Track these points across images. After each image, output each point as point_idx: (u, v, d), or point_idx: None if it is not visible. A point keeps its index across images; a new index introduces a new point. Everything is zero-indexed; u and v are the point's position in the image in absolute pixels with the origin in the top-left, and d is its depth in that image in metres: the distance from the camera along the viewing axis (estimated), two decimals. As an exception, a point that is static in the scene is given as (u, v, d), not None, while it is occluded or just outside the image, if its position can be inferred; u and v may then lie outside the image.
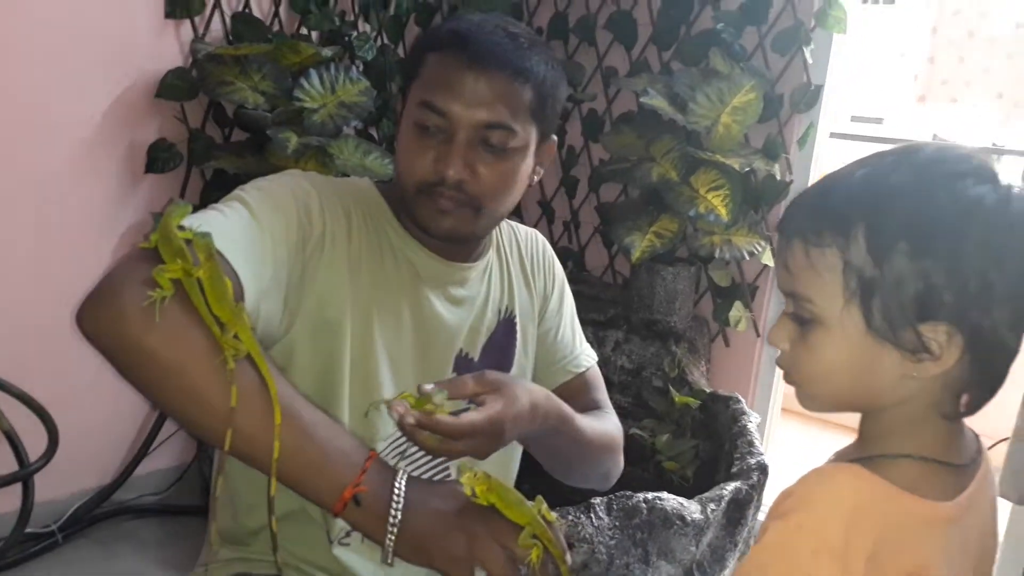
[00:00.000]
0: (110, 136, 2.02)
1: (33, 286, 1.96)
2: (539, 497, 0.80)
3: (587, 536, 1.58)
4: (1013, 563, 2.25)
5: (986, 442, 0.76)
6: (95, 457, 2.16)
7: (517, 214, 2.83)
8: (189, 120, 2.12)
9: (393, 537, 0.74)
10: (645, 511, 1.61)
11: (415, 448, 0.90)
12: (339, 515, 0.76)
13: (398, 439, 0.96)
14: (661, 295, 2.32)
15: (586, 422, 1.03)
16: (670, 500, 1.64)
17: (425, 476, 0.99)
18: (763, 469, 1.80)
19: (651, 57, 2.48)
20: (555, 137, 1.02)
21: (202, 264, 0.74)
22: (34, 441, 1.85)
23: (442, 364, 1.02)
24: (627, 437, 2.17)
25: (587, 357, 1.18)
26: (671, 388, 2.20)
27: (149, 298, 0.71)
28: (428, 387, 0.80)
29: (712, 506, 1.68)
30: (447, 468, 1.02)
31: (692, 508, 1.65)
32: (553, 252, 1.18)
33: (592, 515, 1.60)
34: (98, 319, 0.73)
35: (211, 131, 2.18)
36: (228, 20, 2.15)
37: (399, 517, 0.75)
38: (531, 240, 1.16)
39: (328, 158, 2.01)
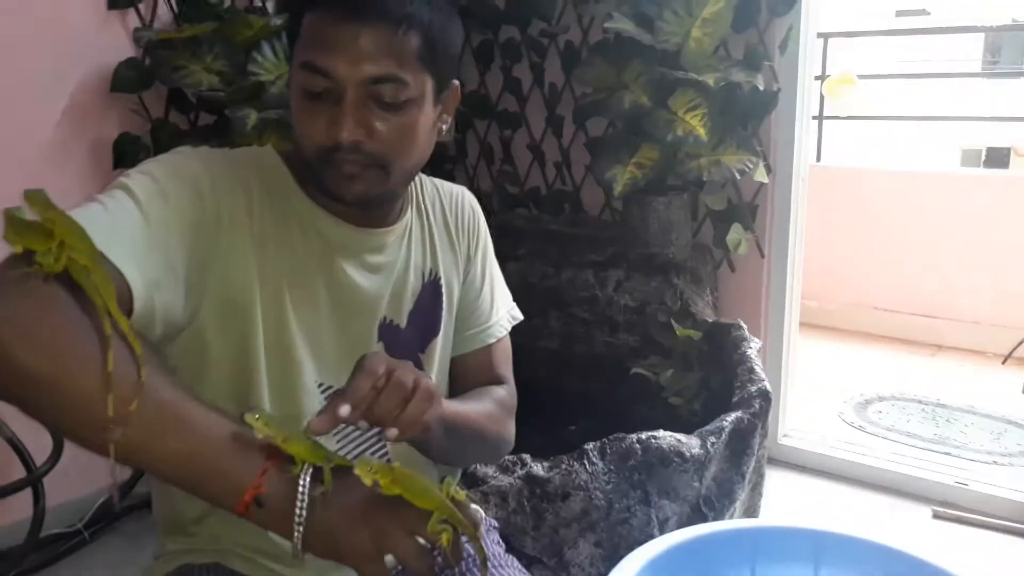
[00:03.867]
0: (72, 135, 2.00)
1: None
2: (447, 479, 0.79)
3: (582, 484, 1.55)
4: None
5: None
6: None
7: (510, 162, 2.76)
8: (153, 110, 2.09)
9: (299, 535, 0.72)
10: (640, 452, 1.56)
11: (351, 427, 0.87)
12: (243, 516, 0.73)
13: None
14: (655, 227, 2.24)
15: (465, 407, 0.99)
16: (666, 438, 1.59)
17: (367, 454, 0.97)
18: (765, 396, 1.74)
19: (620, -21, 2.36)
20: (457, 82, 0.96)
21: (53, 218, 0.72)
22: (41, 446, 1.88)
23: (365, 335, 0.98)
24: (631, 376, 2.15)
25: (500, 327, 1.12)
26: (674, 322, 2.13)
27: (28, 277, 0.68)
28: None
29: (712, 439, 1.62)
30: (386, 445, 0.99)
31: (691, 443, 1.60)
32: (481, 212, 1.12)
33: (585, 462, 1.56)
34: None
35: (175, 118, 2.14)
36: (175, 4, 2.10)
37: (303, 515, 0.72)
38: (457, 199, 1.10)
39: (290, 130, 1.96)
